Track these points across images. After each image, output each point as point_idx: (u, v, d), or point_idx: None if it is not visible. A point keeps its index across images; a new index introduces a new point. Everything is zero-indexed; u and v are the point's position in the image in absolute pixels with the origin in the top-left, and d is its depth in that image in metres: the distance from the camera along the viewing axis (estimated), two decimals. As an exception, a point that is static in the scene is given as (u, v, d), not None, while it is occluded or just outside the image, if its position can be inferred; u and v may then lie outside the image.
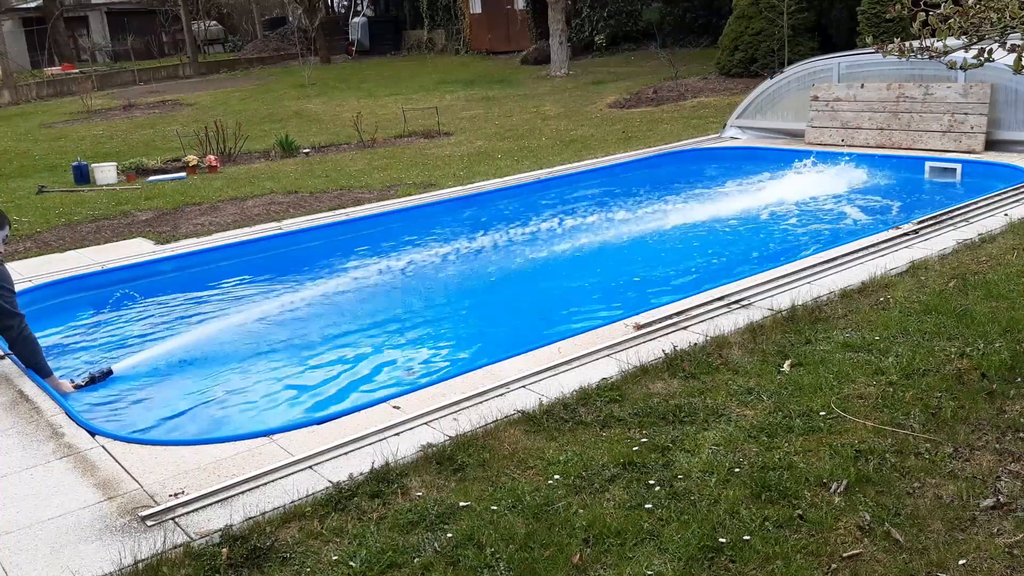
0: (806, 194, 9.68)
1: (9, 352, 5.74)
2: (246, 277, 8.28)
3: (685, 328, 5.58)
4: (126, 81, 31.66)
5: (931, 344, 4.96)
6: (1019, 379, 4.45)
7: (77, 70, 33.27)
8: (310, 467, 4.14)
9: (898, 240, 7.08)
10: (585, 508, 3.64)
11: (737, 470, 3.82)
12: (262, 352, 6.40)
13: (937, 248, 6.79)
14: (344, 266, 8.38)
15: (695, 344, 5.26)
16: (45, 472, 4.29)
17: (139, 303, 7.60)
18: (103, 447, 4.50)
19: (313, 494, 3.88)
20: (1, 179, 14.11)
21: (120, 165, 13.45)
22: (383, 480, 3.94)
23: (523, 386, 4.86)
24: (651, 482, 3.79)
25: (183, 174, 13.19)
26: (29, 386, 5.39)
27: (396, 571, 3.35)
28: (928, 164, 10.21)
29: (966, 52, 4.48)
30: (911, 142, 10.85)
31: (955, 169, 9.98)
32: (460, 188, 10.80)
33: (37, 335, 5.68)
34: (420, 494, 3.82)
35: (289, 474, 4.09)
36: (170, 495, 3.97)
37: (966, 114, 10.43)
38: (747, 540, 3.35)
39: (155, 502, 3.92)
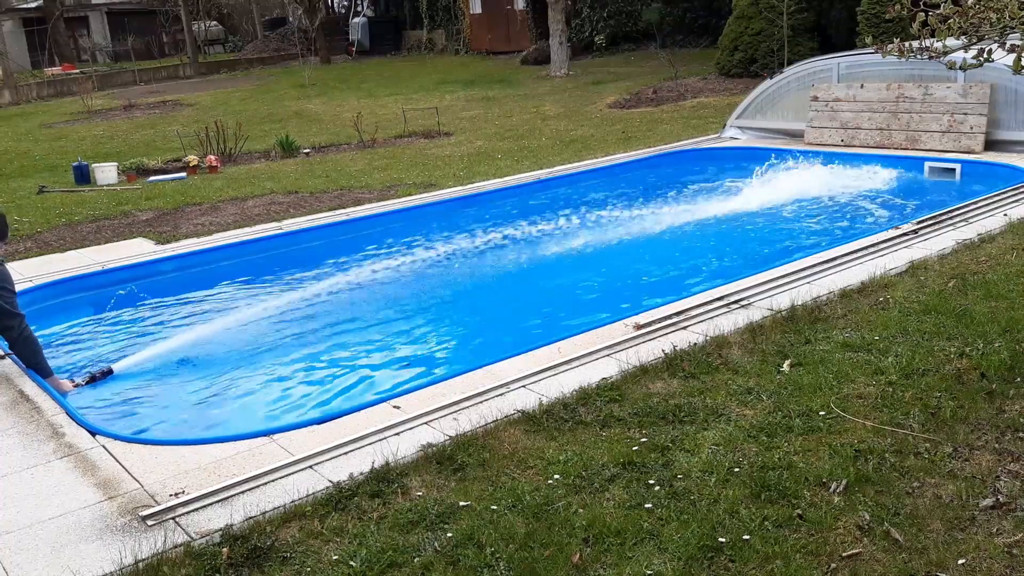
0: (805, 194, 9.68)
1: (9, 352, 5.74)
2: (246, 277, 8.28)
3: (685, 328, 5.58)
4: (126, 81, 31.67)
5: (931, 344, 4.97)
6: (1018, 379, 4.45)
7: (77, 70, 33.27)
8: (310, 467, 4.15)
9: (898, 240, 7.08)
10: (585, 508, 3.64)
11: (737, 470, 3.83)
12: (262, 352, 6.41)
13: (937, 248, 6.80)
14: (344, 266, 8.38)
15: (695, 344, 5.27)
16: (45, 472, 4.29)
17: (139, 303, 7.61)
18: (103, 447, 4.50)
19: (313, 494, 3.89)
20: (1, 179, 14.12)
21: (120, 165, 13.46)
22: (383, 480, 3.94)
23: (523, 386, 4.87)
24: (651, 482, 3.79)
25: (183, 174, 13.20)
26: (29, 386, 5.40)
27: (396, 571, 3.35)
28: (927, 164, 10.22)
29: (966, 52, 4.49)
30: (911, 142, 10.85)
31: (954, 169, 9.98)
32: (460, 188, 10.80)
33: (37, 335, 5.69)
34: (420, 494, 3.83)
35: (289, 474, 4.09)
36: (170, 495, 3.97)
37: (965, 114, 10.44)
38: (747, 540, 3.35)
39: (155, 502, 3.93)
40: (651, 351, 5.20)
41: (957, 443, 3.93)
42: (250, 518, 3.74)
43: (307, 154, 14.74)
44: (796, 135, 12.13)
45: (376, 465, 4.06)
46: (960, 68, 4.63)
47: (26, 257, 8.70)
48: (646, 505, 3.62)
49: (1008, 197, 8.12)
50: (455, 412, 4.60)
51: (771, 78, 12.65)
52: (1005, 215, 7.57)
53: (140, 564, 3.45)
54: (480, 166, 12.25)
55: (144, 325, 7.19)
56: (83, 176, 12.92)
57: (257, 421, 5.23)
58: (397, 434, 4.40)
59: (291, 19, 42.01)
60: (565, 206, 10.08)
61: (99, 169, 12.94)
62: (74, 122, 21.75)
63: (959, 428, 4.05)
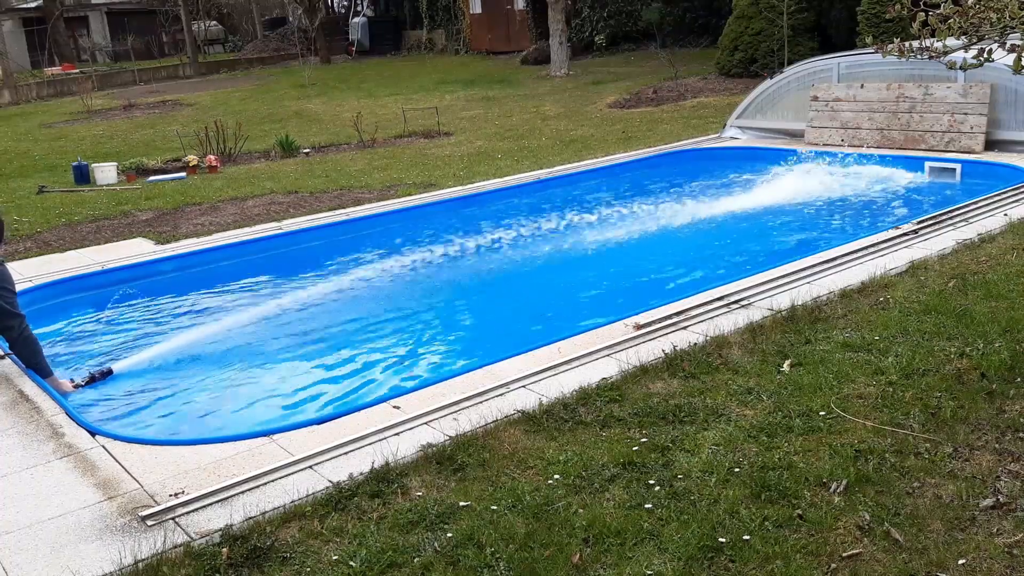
0: (805, 194, 9.68)
1: (9, 352, 5.74)
2: (246, 277, 8.28)
3: (685, 328, 5.58)
4: (126, 81, 31.66)
5: (931, 344, 4.97)
6: (1019, 379, 4.45)
7: (77, 70, 33.27)
8: (310, 467, 4.15)
9: (898, 240, 7.08)
10: (585, 508, 3.64)
11: (737, 470, 3.83)
12: (262, 352, 6.41)
13: (937, 248, 6.79)
14: (344, 266, 8.38)
15: (695, 344, 5.26)
16: (45, 472, 4.29)
17: (139, 303, 7.61)
18: (103, 447, 4.50)
19: (313, 494, 3.89)
20: (1, 179, 14.11)
21: (120, 165, 13.45)
22: (383, 480, 3.94)
23: (523, 386, 4.87)
24: (651, 482, 3.79)
25: (183, 174, 13.19)
26: (29, 386, 5.40)
27: (396, 571, 3.35)
28: (928, 164, 10.22)
29: (966, 52, 4.48)
30: (911, 142, 10.85)
31: (955, 169, 9.98)
32: (460, 188, 10.80)
33: (38, 335, 5.69)
34: (420, 494, 3.82)
35: (289, 474, 4.09)
36: (170, 495, 3.97)
37: (966, 114, 10.43)
38: (747, 540, 3.35)
39: (155, 502, 3.93)
40: (651, 351, 5.20)
41: (957, 443, 3.93)
42: (250, 518, 3.74)
43: (307, 154, 14.74)
44: (796, 135, 12.13)
45: (376, 465, 4.06)
46: (960, 68, 4.63)
47: (26, 257, 8.70)
48: (646, 505, 3.62)
49: (1008, 197, 8.12)
50: (455, 412, 4.59)
51: (771, 78, 12.65)
52: (1005, 215, 7.57)
53: (140, 564, 3.45)
54: (480, 166, 12.25)
55: (144, 325, 7.18)
56: (83, 176, 12.92)
57: (257, 421, 5.23)
58: (397, 434, 4.40)
59: (291, 19, 41.99)
60: (565, 206, 10.08)
61: (99, 169, 12.94)
62: (74, 122, 21.75)
63: (959, 428, 4.05)
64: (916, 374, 4.62)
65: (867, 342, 5.07)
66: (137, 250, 8.74)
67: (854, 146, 11.25)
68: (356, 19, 35.88)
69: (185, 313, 7.42)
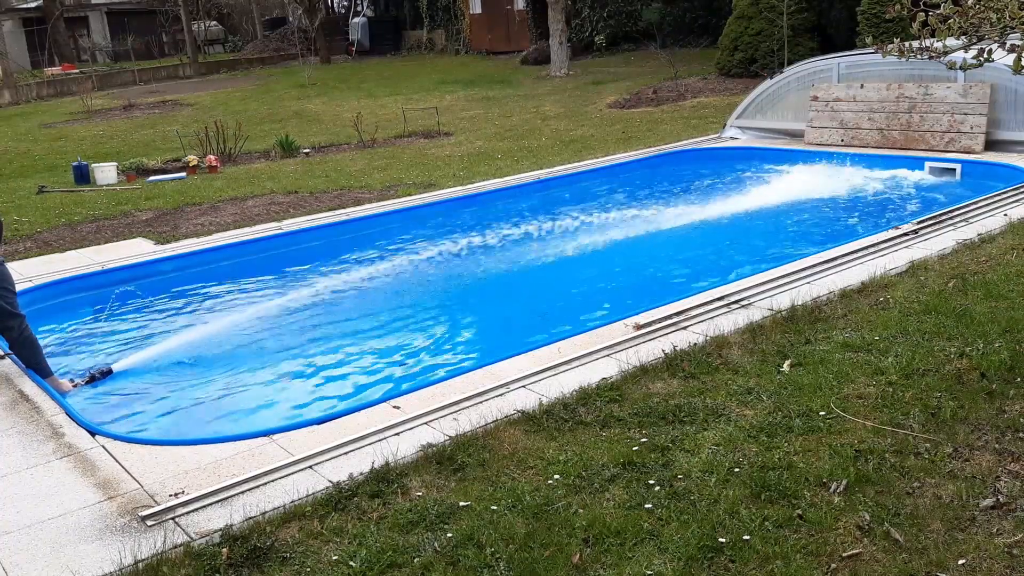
0: (805, 194, 9.68)
1: (9, 352, 5.74)
2: (246, 277, 8.28)
3: (685, 328, 5.58)
4: (126, 81, 31.65)
5: (931, 344, 4.97)
6: (1019, 379, 4.45)
7: (77, 70, 33.26)
8: (310, 467, 4.15)
9: (898, 240, 7.08)
10: (585, 508, 3.64)
11: (737, 470, 3.83)
12: (262, 352, 6.41)
13: (937, 248, 6.79)
14: (344, 266, 8.38)
15: (695, 344, 5.26)
16: (45, 472, 4.29)
17: (139, 303, 7.61)
18: (103, 447, 4.50)
19: (313, 494, 3.89)
20: (1, 179, 14.11)
21: (120, 165, 13.45)
22: (383, 480, 3.94)
23: (523, 386, 4.86)
24: (651, 482, 3.79)
25: (183, 174, 13.19)
26: (29, 386, 5.40)
27: (396, 571, 3.35)
28: (928, 164, 10.22)
29: (966, 52, 4.49)
30: (911, 142, 10.85)
31: (955, 169, 9.98)
32: (460, 188, 10.80)
33: (38, 335, 5.68)
34: (420, 494, 3.82)
35: (289, 474, 4.09)
36: (170, 495, 3.97)
37: (966, 114, 10.43)
38: (747, 540, 3.35)
39: (155, 502, 3.93)
40: (651, 351, 5.20)
41: (957, 443, 3.93)
42: (250, 518, 3.74)
43: (307, 154, 14.74)
44: (796, 135, 12.13)
45: (376, 465, 4.06)
46: (960, 68, 4.63)
47: (26, 257, 8.70)
48: (646, 505, 3.62)
49: (1008, 197, 8.12)
50: (455, 412, 4.59)
51: (771, 78, 12.65)
52: (1005, 215, 7.57)
53: (140, 564, 3.45)
54: (480, 166, 12.25)
55: (144, 325, 7.19)
56: (83, 176, 12.91)
57: (257, 421, 5.23)
58: (397, 434, 4.40)
59: (291, 19, 41.96)
60: (565, 206, 10.08)
61: (99, 169, 12.93)
62: (74, 122, 21.75)
63: (959, 428, 4.05)
64: (916, 374, 4.62)
65: (867, 342, 5.07)
66: (137, 250, 8.74)
67: (854, 146, 11.25)
68: (356, 19, 35.88)
69: (185, 313, 7.42)
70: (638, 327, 5.59)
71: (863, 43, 14.30)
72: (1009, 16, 4.04)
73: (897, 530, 3.36)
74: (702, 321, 5.67)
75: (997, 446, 3.89)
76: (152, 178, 12.99)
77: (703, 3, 24.24)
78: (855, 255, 6.77)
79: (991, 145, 10.29)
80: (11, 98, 28.06)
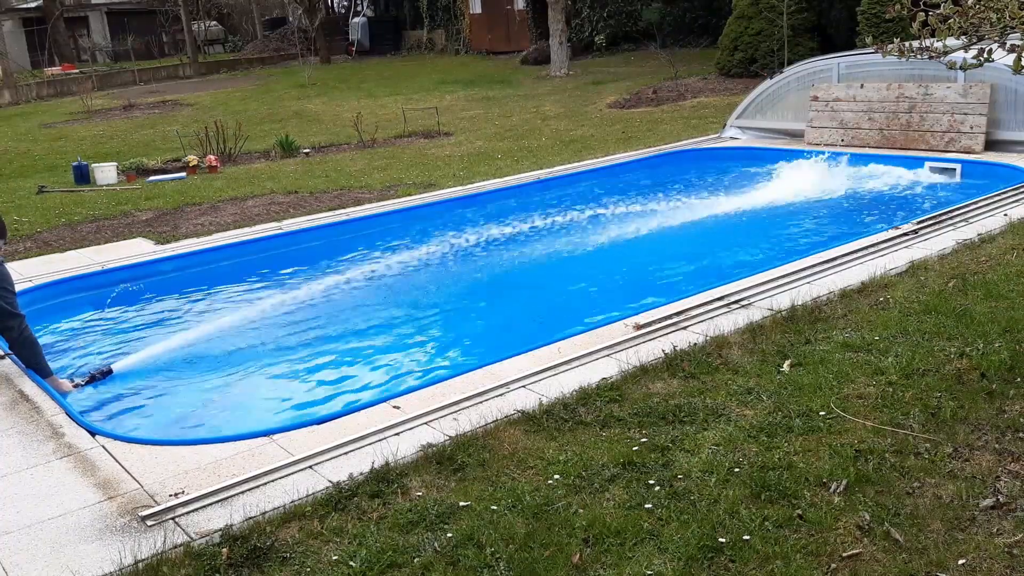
0: (805, 194, 9.68)
1: (9, 352, 5.74)
2: (246, 277, 8.28)
3: (685, 328, 5.58)
4: (126, 81, 31.65)
5: (931, 344, 4.97)
6: (1019, 379, 4.45)
7: (77, 70, 33.26)
8: (310, 467, 4.15)
9: (898, 240, 7.08)
10: (585, 508, 3.64)
11: (737, 470, 3.83)
12: (262, 352, 6.41)
13: (937, 248, 6.79)
14: (344, 266, 8.38)
15: (695, 344, 5.26)
16: (45, 472, 4.29)
17: (139, 303, 7.60)
18: (103, 447, 4.50)
19: (313, 494, 3.89)
20: (1, 179, 14.11)
21: (120, 165, 13.45)
22: (383, 480, 3.94)
23: (523, 386, 4.87)
24: (651, 482, 3.79)
25: (183, 174, 13.19)
26: (29, 386, 5.40)
27: (396, 571, 3.35)
28: (928, 164, 10.22)
29: (966, 52, 4.48)
30: (911, 142, 10.85)
31: (955, 169, 9.98)
32: (460, 188, 10.80)
33: (38, 334, 5.68)
34: (420, 494, 3.82)
35: (289, 474, 4.09)
36: (170, 495, 3.97)
37: (966, 114, 10.43)
38: (747, 540, 3.35)
39: (155, 502, 3.93)
40: (651, 351, 5.20)
41: (957, 443, 3.93)
42: (250, 518, 3.74)
43: (307, 154, 14.74)
44: (796, 135, 12.13)
45: (376, 465, 4.06)
46: (960, 68, 4.63)
47: (26, 257, 8.70)
48: (646, 505, 3.62)
49: (1008, 197, 8.12)
50: (455, 412, 4.59)
51: (771, 78, 12.65)
52: (1005, 215, 7.57)
53: (140, 564, 3.45)
54: (480, 166, 12.25)
55: (144, 325, 7.19)
56: (83, 176, 12.91)
57: (257, 421, 5.22)
58: (397, 434, 4.40)
59: (291, 19, 41.96)
60: (565, 206, 10.08)
61: (99, 169, 12.93)
62: (74, 122, 21.75)
63: (959, 428, 4.05)
64: (916, 374, 4.62)
65: (867, 342, 5.07)
66: (137, 250, 8.74)
67: (854, 146, 11.25)
68: (356, 19, 35.88)
69: (185, 313, 7.42)
70: (638, 327, 5.59)
71: (863, 43, 14.30)
72: (1009, 16, 4.04)
73: (897, 530, 3.36)
74: (702, 321, 5.67)
75: (997, 446, 3.90)
76: (152, 178, 12.99)
77: (703, 3, 24.24)
78: (855, 255, 6.77)
79: (991, 145, 10.28)
80: (11, 98, 28.06)
